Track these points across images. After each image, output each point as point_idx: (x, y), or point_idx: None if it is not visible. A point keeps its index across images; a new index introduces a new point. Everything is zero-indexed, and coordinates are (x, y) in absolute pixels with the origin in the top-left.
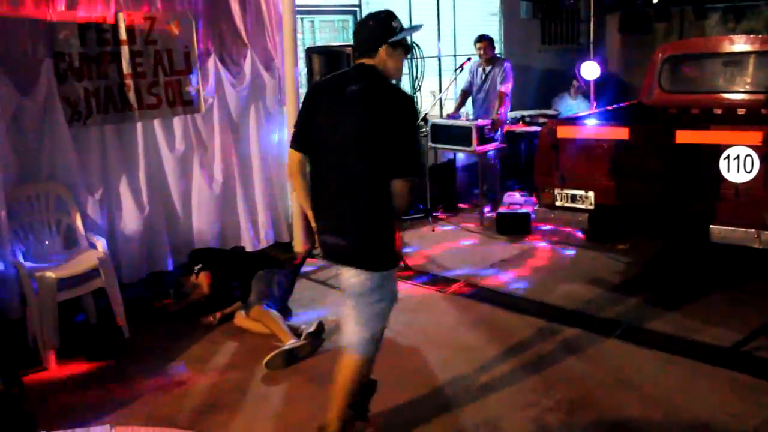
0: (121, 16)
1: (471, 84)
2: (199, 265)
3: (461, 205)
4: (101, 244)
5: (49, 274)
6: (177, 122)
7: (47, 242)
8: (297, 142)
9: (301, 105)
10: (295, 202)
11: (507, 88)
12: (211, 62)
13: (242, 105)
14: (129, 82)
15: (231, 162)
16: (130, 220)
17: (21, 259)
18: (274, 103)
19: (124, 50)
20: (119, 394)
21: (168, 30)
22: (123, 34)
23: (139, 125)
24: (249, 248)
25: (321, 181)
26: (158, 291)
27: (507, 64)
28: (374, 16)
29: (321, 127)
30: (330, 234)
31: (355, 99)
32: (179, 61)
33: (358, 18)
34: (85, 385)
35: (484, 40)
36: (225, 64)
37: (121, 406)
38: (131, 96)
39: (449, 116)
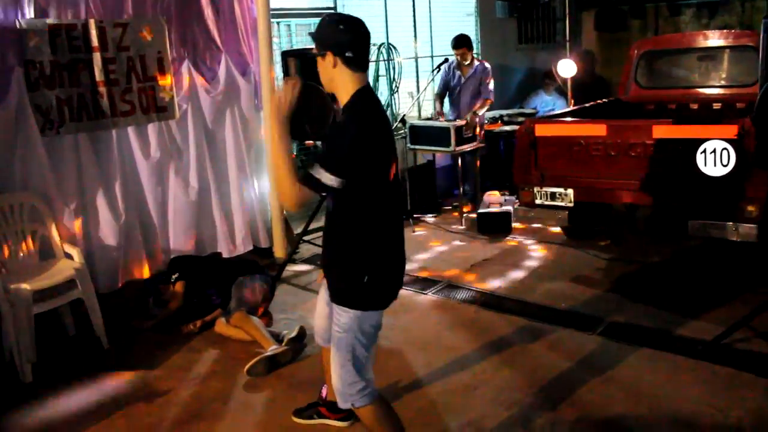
0: (92, 22)
1: (447, 86)
2: (176, 274)
3: (441, 206)
4: (77, 253)
5: (25, 286)
6: (151, 129)
7: (22, 254)
8: None
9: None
10: (275, 207)
11: (490, 93)
12: (185, 68)
13: (217, 110)
14: (102, 89)
15: (206, 168)
16: (106, 229)
17: None
18: (251, 108)
19: (96, 57)
20: (99, 405)
21: (140, 36)
22: (95, 41)
23: (113, 133)
24: (226, 254)
25: None
26: (136, 302)
27: (488, 67)
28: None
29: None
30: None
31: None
32: (152, 67)
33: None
34: (65, 398)
35: (463, 47)
36: (199, 69)
37: (102, 418)
38: (104, 103)
39: (441, 117)
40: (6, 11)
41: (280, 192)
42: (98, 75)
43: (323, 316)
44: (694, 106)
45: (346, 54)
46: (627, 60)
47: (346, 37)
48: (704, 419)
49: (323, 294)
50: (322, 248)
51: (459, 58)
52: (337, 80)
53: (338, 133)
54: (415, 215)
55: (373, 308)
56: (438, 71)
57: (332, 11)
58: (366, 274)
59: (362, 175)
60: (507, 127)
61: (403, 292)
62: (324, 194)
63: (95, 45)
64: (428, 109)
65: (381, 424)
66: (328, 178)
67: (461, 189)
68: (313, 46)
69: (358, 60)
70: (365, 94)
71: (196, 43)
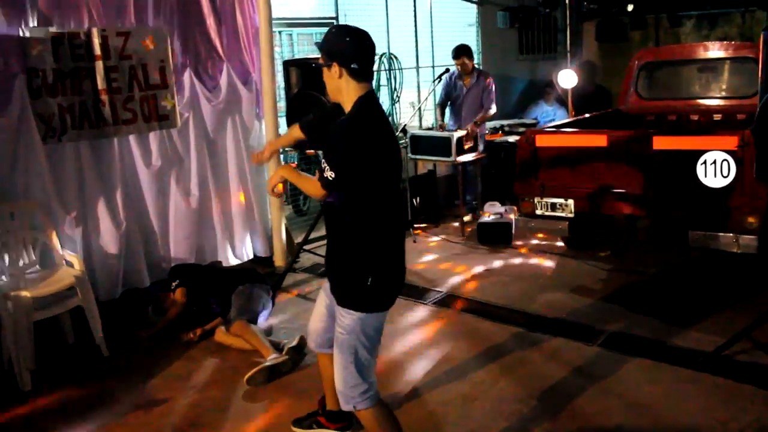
0: (95, 31)
1: (449, 96)
2: (176, 282)
3: (442, 216)
4: (78, 261)
5: (25, 293)
6: (153, 137)
7: (22, 261)
8: None
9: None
10: (276, 216)
11: (493, 103)
12: (187, 76)
13: (219, 119)
14: (104, 97)
15: (207, 177)
16: (107, 237)
17: None
18: (252, 117)
19: (99, 65)
20: (98, 414)
21: (143, 45)
22: (97, 50)
23: (114, 141)
24: (226, 263)
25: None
26: (135, 310)
27: (490, 79)
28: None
29: None
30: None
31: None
32: (154, 75)
33: None
34: (64, 406)
35: (462, 56)
36: (201, 78)
37: (101, 426)
38: (106, 112)
39: (443, 129)
40: (9, 20)
41: (309, 193)
42: (100, 83)
43: (319, 320)
44: (695, 118)
45: (352, 65)
46: (627, 71)
47: (352, 49)
48: (704, 431)
49: (322, 297)
50: (325, 253)
51: (459, 67)
52: (343, 90)
53: (338, 130)
54: (416, 225)
55: (376, 310)
56: (439, 81)
57: (336, 22)
58: (370, 276)
59: (361, 173)
60: (508, 138)
61: (403, 302)
62: (324, 203)
63: (97, 53)
64: (429, 119)
65: (382, 427)
66: (329, 174)
67: (462, 199)
68: (315, 55)
69: (363, 71)
70: (368, 101)
71: (198, 52)
